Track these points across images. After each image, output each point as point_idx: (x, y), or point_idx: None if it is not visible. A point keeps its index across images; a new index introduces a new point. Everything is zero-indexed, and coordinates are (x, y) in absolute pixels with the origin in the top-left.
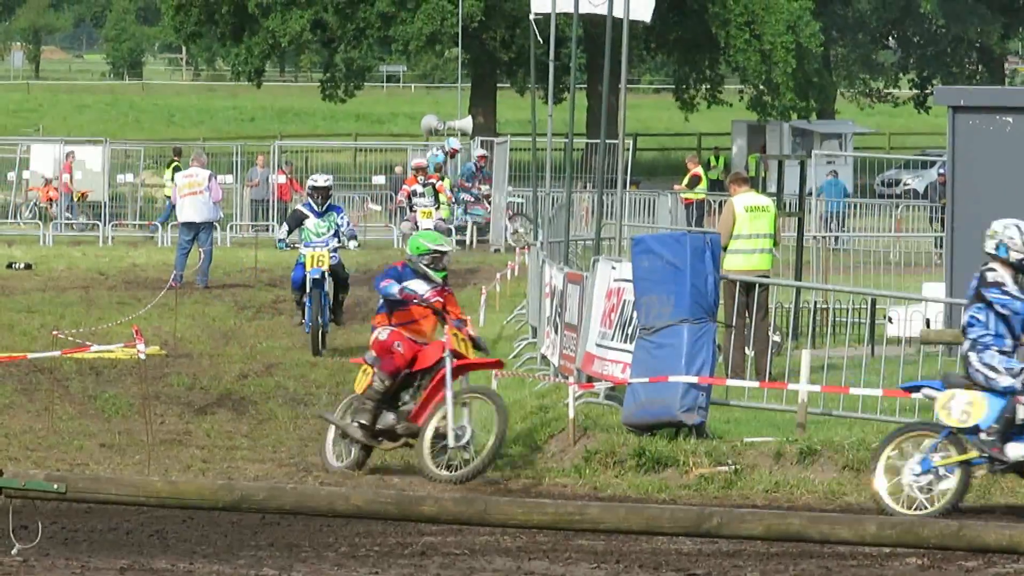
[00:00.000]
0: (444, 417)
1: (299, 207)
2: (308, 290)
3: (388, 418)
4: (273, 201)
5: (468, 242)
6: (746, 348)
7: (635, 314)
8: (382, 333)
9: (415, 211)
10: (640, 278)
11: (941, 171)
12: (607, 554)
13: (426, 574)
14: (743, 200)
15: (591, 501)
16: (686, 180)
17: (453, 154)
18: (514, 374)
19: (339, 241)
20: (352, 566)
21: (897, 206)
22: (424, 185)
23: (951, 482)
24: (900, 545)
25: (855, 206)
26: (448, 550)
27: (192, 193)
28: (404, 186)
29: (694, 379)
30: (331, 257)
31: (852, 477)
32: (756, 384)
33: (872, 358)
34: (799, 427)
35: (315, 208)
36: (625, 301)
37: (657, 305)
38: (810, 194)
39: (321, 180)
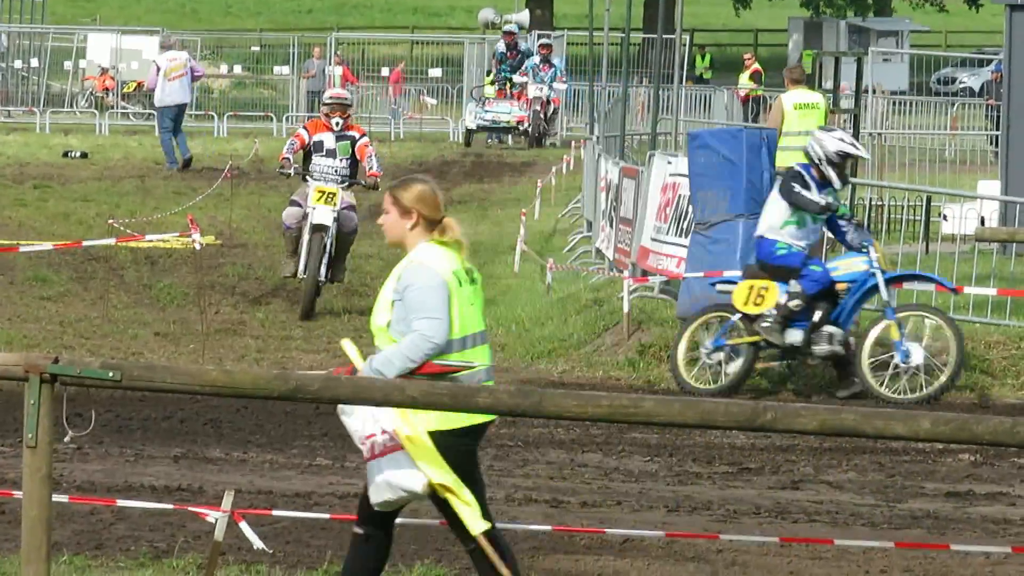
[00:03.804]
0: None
1: (303, 131)
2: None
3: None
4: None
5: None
6: None
7: (690, 209)
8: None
9: (308, 182)
10: (696, 173)
11: (995, 69)
12: (660, 447)
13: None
14: (792, 97)
15: (645, 395)
16: (747, 75)
17: (512, 44)
18: (569, 267)
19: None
20: None
21: (952, 104)
22: (339, 138)
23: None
24: (953, 441)
25: (910, 103)
26: (502, 442)
27: (179, 76)
28: (302, 131)
29: None
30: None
31: None
32: None
33: (926, 255)
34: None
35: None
36: (680, 196)
37: (713, 200)
38: (865, 91)
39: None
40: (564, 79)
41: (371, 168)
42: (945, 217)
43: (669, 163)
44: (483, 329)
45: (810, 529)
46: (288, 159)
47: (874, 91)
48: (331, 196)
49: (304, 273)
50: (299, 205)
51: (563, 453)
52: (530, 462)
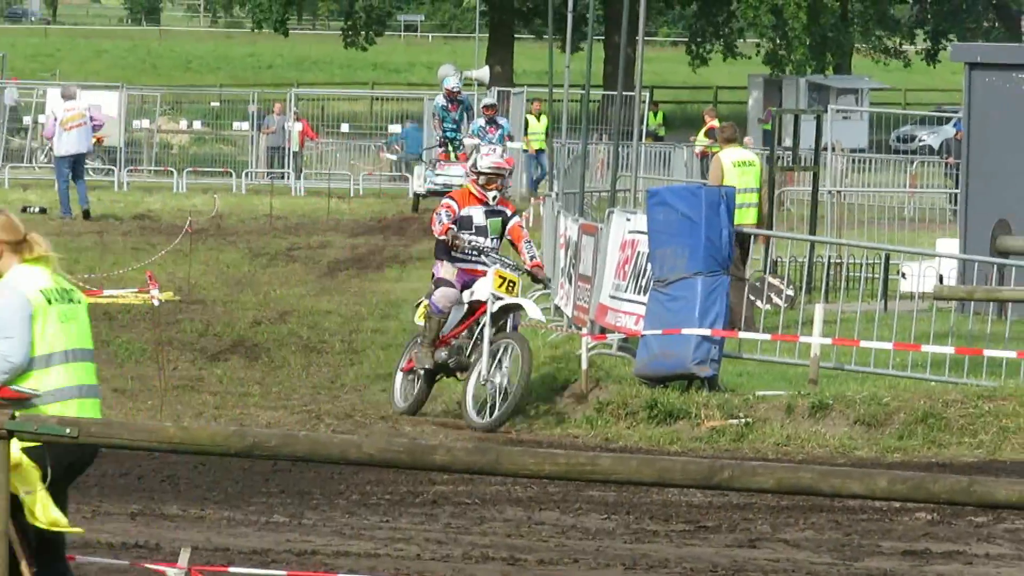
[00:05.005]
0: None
1: (452, 201)
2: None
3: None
4: (289, 148)
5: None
6: (758, 301)
7: (649, 266)
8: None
9: (457, 260)
10: (655, 230)
11: (957, 128)
12: (618, 505)
13: (437, 523)
14: (730, 155)
15: (603, 452)
16: (702, 132)
17: (452, 96)
18: (527, 325)
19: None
20: (363, 514)
21: (912, 162)
22: (490, 213)
23: None
24: (910, 500)
25: (869, 161)
26: (459, 499)
27: (77, 125)
28: (451, 202)
29: (707, 332)
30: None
31: (863, 431)
32: (768, 337)
33: (885, 313)
34: (811, 381)
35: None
36: (639, 253)
37: (671, 257)
38: (825, 149)
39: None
40: (513, 137)
41: (533, 257)
42: (904, 275)
43: (628, 220)
44: (83, 347)
45: None
46: (454, 228)
47: (833, 149)
48: (512, 285)
49: (488, 377)
50: (452, 286)
51: (520, 511)
52: (487, 519)
